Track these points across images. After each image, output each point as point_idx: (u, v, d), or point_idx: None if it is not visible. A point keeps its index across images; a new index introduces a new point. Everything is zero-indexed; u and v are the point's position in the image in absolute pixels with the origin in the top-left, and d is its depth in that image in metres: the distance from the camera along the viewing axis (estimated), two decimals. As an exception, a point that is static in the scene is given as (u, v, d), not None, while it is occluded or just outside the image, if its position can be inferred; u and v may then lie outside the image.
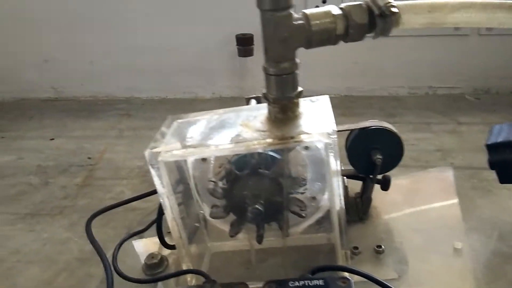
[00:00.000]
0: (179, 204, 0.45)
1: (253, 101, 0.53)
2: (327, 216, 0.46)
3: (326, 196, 0.45)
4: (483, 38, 0.97)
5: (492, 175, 0.48)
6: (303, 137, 0.37)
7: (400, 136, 0.49)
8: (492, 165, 0.45)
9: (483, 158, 0.47)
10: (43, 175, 0.75)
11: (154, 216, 0.58)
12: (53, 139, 0.88)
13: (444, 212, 0.56)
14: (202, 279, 0.42)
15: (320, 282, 0.37)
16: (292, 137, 0.37)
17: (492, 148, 0.44)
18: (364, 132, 0.48)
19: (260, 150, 0.39)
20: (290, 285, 0.37)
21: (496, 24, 0.40)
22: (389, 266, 0.46)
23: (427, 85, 1.04)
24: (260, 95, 0.54)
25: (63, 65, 1.06)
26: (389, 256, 0.48)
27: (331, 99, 1.14)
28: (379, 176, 0.51)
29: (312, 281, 0.37)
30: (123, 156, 0.80)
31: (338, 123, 1.00)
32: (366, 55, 0.96)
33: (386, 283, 0.37)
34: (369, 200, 0.52)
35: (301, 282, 0.37)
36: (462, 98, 1.02)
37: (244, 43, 0.94)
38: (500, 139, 0.44)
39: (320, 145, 0.39)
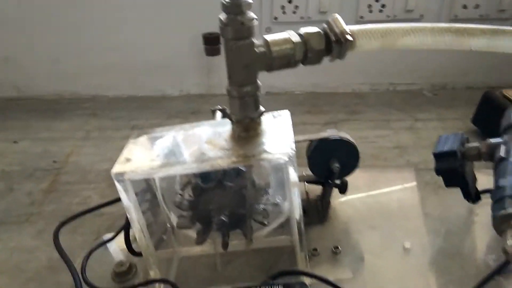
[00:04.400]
0: (145, 211, 0.46)
1: (218, 113, 0.54)
2: (288, 220, 0.49)
3: (287, 202, 0.48)
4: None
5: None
6: (264, 155, 0.40)
7: (356, 145, 0.52)
8: (438, 172, 0.49)
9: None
10: (8, 181, 0.74)
11: (122, 221, 0.60)
12: (16, 142, 0.87)
13: (401, 209, 0.60)
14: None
15: (280, 288, 0.40)
16: (254, 156, 0.40)
17: (438, 157, 0.48)
18: (323, 142, 0.51)
19: (224, 168, 0.41)
20: (253, 292, 0.40)
21: (443, 46, 0.43)
22: (345, 266, 0.50)
23: (388, 82, 1.09)
24: (225, 107, 0.56)
25: (26, 63, 1.03)
26: (345, 256, 0.52)
27: (297, 95, 1.16)
28: (338, 181, 0.55)
29: (273, 287, 0.41)
30: (90, 159, 0.80)
31: (304, 120, 1.03)
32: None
33: (338, 285, 0.41)
34: (327, 203, 0.55)
35: (263, 289, 0.40)
36: (420, 94, 1.08)
37: (211, 42, 0.95)
38: (445, 149, 0.48)
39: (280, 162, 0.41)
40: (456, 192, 0.55)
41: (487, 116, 0.84)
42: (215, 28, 0.96)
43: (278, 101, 1.04)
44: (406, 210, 0.61)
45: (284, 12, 0.97)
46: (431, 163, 0.55)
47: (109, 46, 1.01)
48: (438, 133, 0.87)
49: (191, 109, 1.02)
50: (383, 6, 0.97)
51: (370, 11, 0.97)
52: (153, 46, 1.02)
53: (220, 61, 1.02)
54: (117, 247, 0.55)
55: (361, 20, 0.98)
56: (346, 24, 0.40)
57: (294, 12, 0.97)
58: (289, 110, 0.49)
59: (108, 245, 0.55)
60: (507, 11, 0.97)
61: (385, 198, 0.64)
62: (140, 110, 1.01)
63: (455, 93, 1.07)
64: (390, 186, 0.66)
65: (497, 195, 0.41)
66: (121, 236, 0.54)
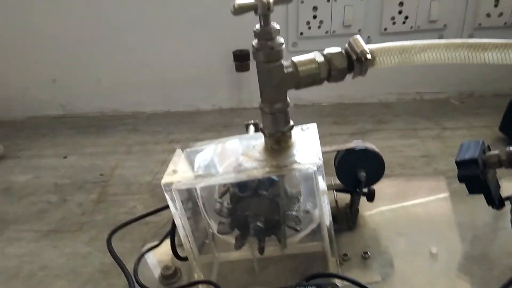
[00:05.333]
0: (188, 219, 0.51)
1: (252, 127, 0.59)
2: (319, 227, 0.53)
3: (317, 210, 0.52)
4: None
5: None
6: (295, 165, 0.44)
7: (381, 155, 0.55)
8: (461, 179, 0.51)
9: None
10: (61, 193, 0.81)
11: (166, 229, 0.65)
12: (66, 157, 0.95)
13: (428, 216, 0.63)
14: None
15: (313, 288, 0.44)
16: (285, 166, 0.44)
17: (460, 164, 0.51)
18: (349, 153, 0.55)
19: (259, 177, 0.45)
20: (288, 292, 0.44)
21: (459, 60, 0.46)
22: (375, 270, 0.53)
23: (414, 91, 1.11)
24: (257, 122, 0.61)
25: (71, 83, 1.12)
26: (374, 261, 0.55)
27: (324, 107, 1.19)
28: (365, 189, 0.58)
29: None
30: (133, 171, 0.87)
31: (331, 131, 1.06)
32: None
33: (369, 287, 0.44)
34: (356, 211, 0.59)
35: (297, 289, 0.44)
36: (447, 102, 1.09)
37: (241, 59, 1.00)
38: (467, 156, 0.51)
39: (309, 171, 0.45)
40: (483, 200, 0.57)
41: (514, 122, 0.84)
42: (244, 45, 1.02)
43: (305, 113, 1.08)
44: (433, 217, 0.63)
45: (309, 28, 1.01)
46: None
47: (145, 64, 1.09)
48: (465, 141, 0.89)
49: (223, 122, 1.07)
50: (406, 17, 0.99)
51: (394, 23, 1.00)
52: (186, 63, 1.08)
53: (249, 77, 1.09)
54: (163, 252, 0.60)
55: (385, 32, 1.01)
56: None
57: (319, 27, 1.01)
58: (316, 122, 0.53)
59: (155, 250, 0.61)
60: (533, 18, 0.98)
61: (412, 205, 0.66)
62: (176, 124, 1.07)
63: (482, 100, 1.07)
64: (417, 194, 0.69)
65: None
66: (167, 242, 0.59)
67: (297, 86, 0.43)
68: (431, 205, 0.66)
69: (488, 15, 0.98)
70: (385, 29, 1.01)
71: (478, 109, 1.03)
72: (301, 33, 1.01)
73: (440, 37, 1.03)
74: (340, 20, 1.00)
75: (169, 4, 1.02)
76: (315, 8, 0.98)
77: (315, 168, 0.43)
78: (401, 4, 0.98)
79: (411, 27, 1.00)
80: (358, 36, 0.43)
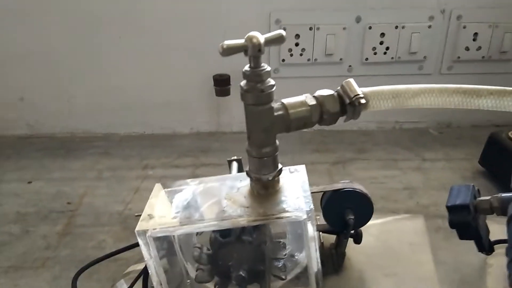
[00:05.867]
0: (163, 266, 0.47)
1: (234, 164, 0.56)
2: (305, 271, 0.50)
3: (303, 253, 0.49)
4: (445, 76, 1.04)
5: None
6: (283, 214, 0.41)
7: (370, 197, 0.53)
8: (452, 224, 0.50)
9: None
10: (23, 223, 0.75)
11: (137, 267, 0.61)
12: (30, 182, 0.89)
13: (414, 256, 0.61)
14: None
15: None
16: (273, 214, 0.41)
17: (451, 210, 0.49)
18: (337, 194, 0.52)
19: (244, 225, 0.42)
20: None
21: (453, 106, 0.45)
22: (362, 318, 0.51)
23: (393, 120, 1.11)
24: (240, 158, 0.58)
25: (39, 102, 1.06)
26: (362, 308, 0.52)
27: (304, 133, 1.17)
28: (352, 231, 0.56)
29: None
30: (103, 200, 0.82)
31: (312, 160, 1.05)
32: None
33: None
34: (343, 254, 0.56)
35: None
36: (426, 132, 1.09)
37: (221, 84, 0.97)
38: (458, 202, 0.49)
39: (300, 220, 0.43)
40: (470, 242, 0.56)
41: (494, 157, 0.85)
42: (224, 70, 0.99)
43: (287, 140, 1.05)
44: (420, 257, 0.61)
45: (291, 55, 1.00)
46: (442, 205, 0.56)
47: (120, 86, 1.04)
48: (446, 174, 0.90)
49: (201, 147, 1.04)
50: (387, 48, 1.00)
51: (375, 53, 1.00)
52: (164, 86, 1.05)
53: (229, 101, 1.06)
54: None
55: (366, 62, 1.01)
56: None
57: (301, 55, 1.00)
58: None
59: (126, 294, 0.56)
60: (508, 53, 1.00)
61: (398, 246, 0.64)
62: (151, 148, 1.03)
63: (460, 131, 1.08)
64: (403, 234, 0.67)
65: (512, 254, 0.42)
66: (139, 283, 0.55)
67: (288, 129, 0.41)
68: (417, 246, 0.64)
69: (467, 49, 1.00)
70: (366, 59, 1.01)
71: (456, 140, 1.04)
72: (283, 60, 1.00)
73: (420, 68, 1.03)
74: (322, 49, 0.99)
75: (148, 25, 0.98)
76: (297, 36, 0.97)
77: (305, 216, 0.41)
78: (382, 35, 0.99)
79: (392, 58, 1.01)
80: (351, 80, 0.42)
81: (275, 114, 0.39)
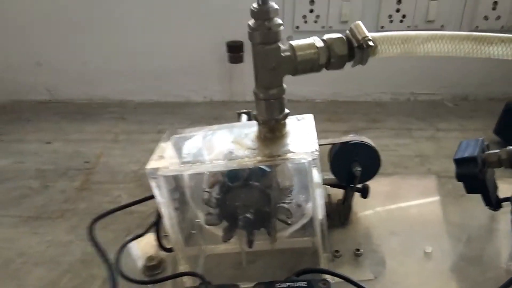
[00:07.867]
0: (175, 209, 0.49)
1: (244, 116, 0.57)
2: (311, 222, 0.51)
3: (310, 204, 0.50)
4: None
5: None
6: (289, 155, 0.42)
7: (378, 149, 0.54)
8: (459, 177, 0.50)
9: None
10: (43, 179, 0.78)
11: (151, 219, 0.63)
12: (50, 142, 0.91)
13: (422, 216, 0.61)
14: (198, 280, 0.47)
15: (304, 284, 0.42)
16: (279, 155, 0.42)
17: (459, 162, 0.49)
18: (345, 146, 0.53)
19: (250, 167, 0.43)
20: (277, 286, 0.42)
21: (463, 53, 0.45)
22: (367, 267, 0.52)
23: (409, 91, 1.10)
24: (250, 111, 0.58)
25: (57, 67, 1.08)
26: (367, 259, 0.53)
27: (317, 103, 1.18)
28: (359, 185, 0.56)
29: (297, 283, 0.42)
30: (119, 160, 0.84)
31: (324, 128, 1.05)
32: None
33: (361, 284, 0.42)
34: (349, 207, 0.57)
35: (287, 284, 0.42)
36: (441, 104, 1.08)
37: (234, 50, 0.98)
38: (466, 154, 0.49)
39: (304, 162, 0.43)
40: (478, 201, 0.56)
41: (509, 126, 0.84)
42: (238, 37, 0.99)
43: (298, 109, 1.04)
44: (427, 217, 0.62)
45: (305, 22, 0.99)
46: (453, 172, 0.56)
47: (135, 51, 1.05)
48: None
49: (214, 115, 1.05)
50: (404, 16, 0.98)
51: (391, 21, 0.99)
52: (178, 53, 1.05)
53: (242, 69, 1.06)
54: (147, 242, 0.58)
55: (382, 30, 1.00)
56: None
57: (316, 22, 0.99)
58: None
59: (139, 240, 0.58)
60: (529, 22, 0.97)
61: (406, 205, 0.65)
62: (165, 115, 1.05)
63: (476, 104, 1.06)
64: (412, 193, 0.68)
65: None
66: (152, 232, 0.57)
67: (294, 71, 0.41)
68: (424, 206, 0.65)
69: (486, 18, 0.97)
70: (382, 27, 1.00)
71: (472, 112, 1.03)
72: (297, 27, 0.99)
73: (437, 37, 1.02)
74: (337, 16, 0.98)
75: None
76: (312, 2, 0.97)
77: (310, 159, 0.41)
78: (399, 2, 0.97)
79: (409, 26, 0.99)
80: (360, 22, 0.42)
81: (282, 54, 0.40)
